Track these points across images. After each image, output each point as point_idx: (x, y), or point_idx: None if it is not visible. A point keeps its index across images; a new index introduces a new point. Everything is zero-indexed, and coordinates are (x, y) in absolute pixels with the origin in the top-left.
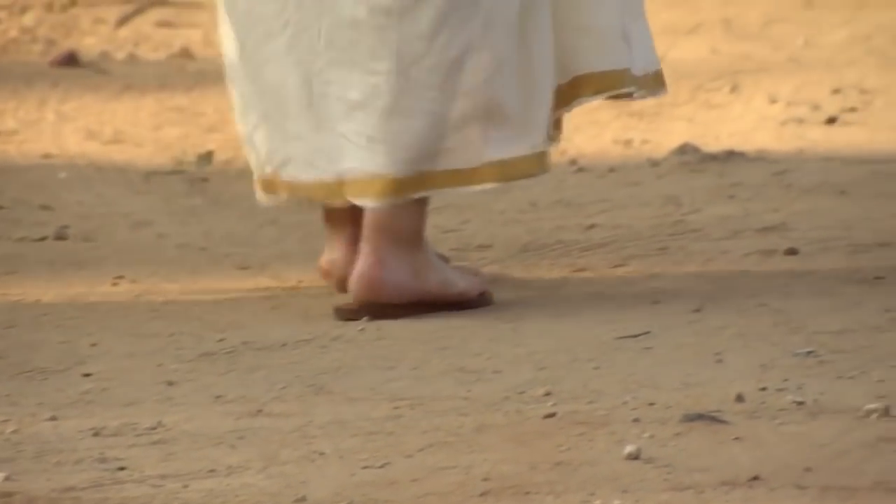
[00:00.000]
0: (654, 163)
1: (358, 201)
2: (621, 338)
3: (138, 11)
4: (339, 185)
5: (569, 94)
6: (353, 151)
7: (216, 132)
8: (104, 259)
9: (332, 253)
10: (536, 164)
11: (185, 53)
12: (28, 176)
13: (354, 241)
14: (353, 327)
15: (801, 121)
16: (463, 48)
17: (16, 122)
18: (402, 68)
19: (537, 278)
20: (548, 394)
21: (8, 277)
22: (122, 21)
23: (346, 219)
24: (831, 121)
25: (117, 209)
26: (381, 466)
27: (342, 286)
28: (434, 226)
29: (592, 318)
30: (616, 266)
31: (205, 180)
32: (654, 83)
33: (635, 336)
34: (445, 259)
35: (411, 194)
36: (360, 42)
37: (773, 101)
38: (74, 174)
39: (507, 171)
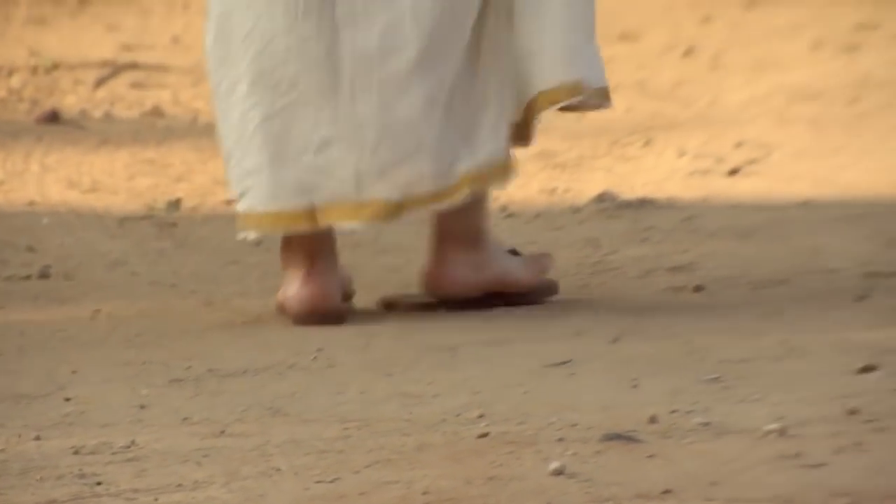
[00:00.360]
0: (576, 209)
1: (344, 225)
2: (548, 365)
3: (113, 74)
4: (312, 212)
5: (532, 109)
6: (335, 182)
7: (183, 181)
8: (83, 295)
9: (287, 289)
10: (501, 173)
11: (156, 112)
12: (14, 221)
13: (307, 278)
14: (307, 356)
15: (706, 172)
16: (438, 87)
17: (3, 172)
18: (383, 106)
19: (473, 311)
20: (481, 416)
21: None
22: (100, 83)
23: (301, 257)
24: (734, 172)
25: (95, 250)
26: (332, 481)
27: (297, 319)
28: (380, 265)
29: (522, 347)
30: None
31: (173, 225)
32: (603, 96)
33: (560, 363)
34: (516, 252)
35: (403, 215)
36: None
37: (681, 154)
38: (56, 220)
39: (479, 182)
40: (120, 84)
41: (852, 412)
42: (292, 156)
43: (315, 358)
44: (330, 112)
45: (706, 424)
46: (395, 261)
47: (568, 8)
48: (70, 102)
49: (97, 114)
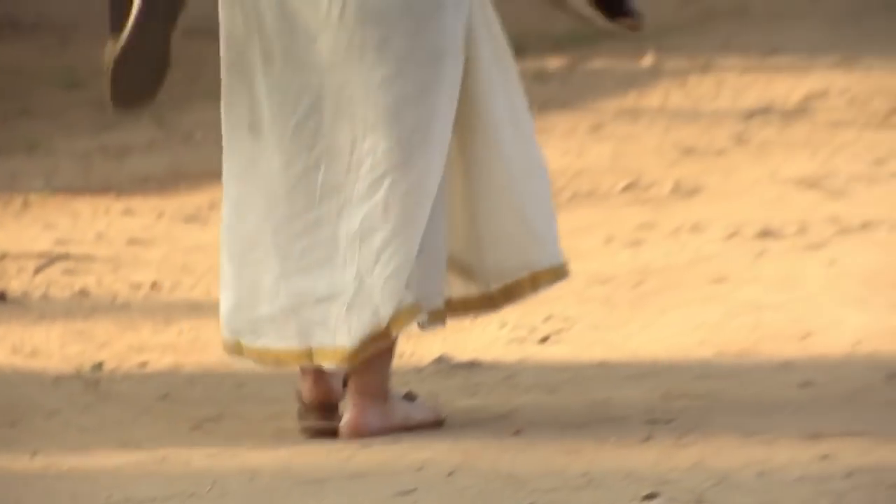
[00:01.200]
0: (419, 370)
1: (325, 365)
2: (396, 494)
3: (49, 263)
4: (309, 353)
5: (520, 287)
6: (321, 331)
7: (106, 348)
8: (24, 440)
9: (303, 384)
10: (440, 317)
11: (83, 292)
12: None
13: (316, 377)
14: (204, 487)
15: (522, 340)
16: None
17: None
18: (360, 274)
19: (337, 447)
20: None
21: None
22: (38, 270)
23: (309, 369)
24: (544, 340)
25: (34, 403)
26: None
27: (307, 407)
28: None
29: (377, 479)
30: (389, 443)
31: (97, 383)
32: (562, 273)
33: (406, 493)
34: (412, 397)
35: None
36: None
37: (502, 325)
38: (3, 378)
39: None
40: (55, 271)
41: None
42: (297, 309)
43: (210, 489)
44: (328, 278)
45: None
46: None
47: (530, 190)
48: (15, 285)
49: (37, 294)
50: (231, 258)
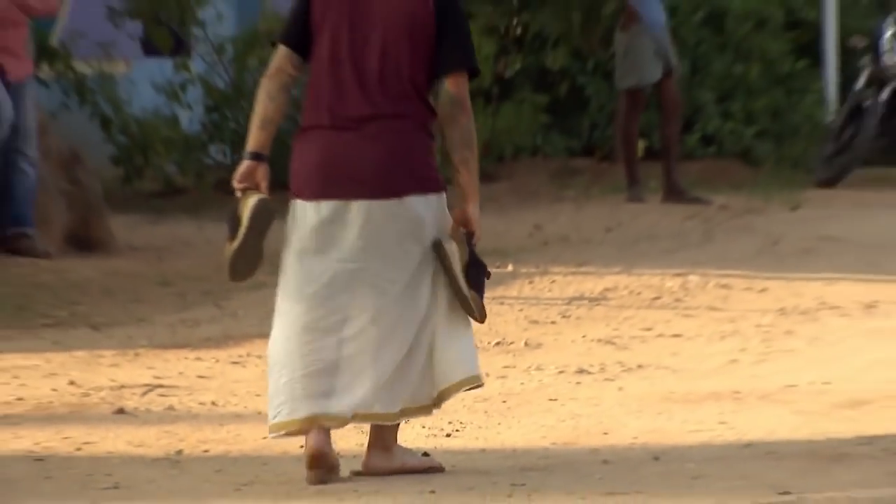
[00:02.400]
0: None
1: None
2: None
3: (150, 390)
4: (317, 419)
5: (442, 396)
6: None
7: (183, 442)
8: (128, 497)
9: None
10: (424, 411)
11: (170, 408)
12: None
13: (316, 433)
14: None
15: (435, 435)
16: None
17: None
18: (356, 374)
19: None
20: None
21: None
22: (144, 394)
23: (313, 430)
24: (448, 435)
25: (139, 474)
26: None
27: (311, 459)
28: None
29: None
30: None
31: (179, 462)
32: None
33: None
34: (426, 454)
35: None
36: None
37: (423, 426)
38: (120, 460)
39: (408, 414)
40: (153, 395)
41: None
42: (308, 393)
43: None
44: (330, 375)
45: None
46: None
47: (457, 323)
48: (129, 403)
49: (142, 408)
50: (282, 351)
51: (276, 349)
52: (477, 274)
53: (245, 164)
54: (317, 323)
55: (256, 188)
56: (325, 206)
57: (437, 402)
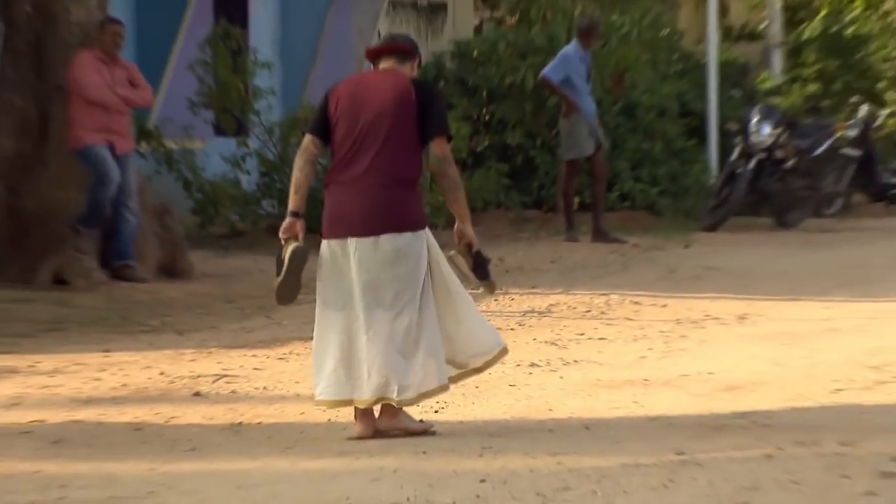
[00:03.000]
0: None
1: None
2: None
3: (219, 378)
4: (350, 400)
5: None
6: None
7: (243, 416)
8: (203, 457)
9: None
10: (436, 392)
11: (234, 391)
12: None
13: (360, 414)
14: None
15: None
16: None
17: None
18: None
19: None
20: None
21: None
22: (213, 381)
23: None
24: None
25: (211, 440)
26: None
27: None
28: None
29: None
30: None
31: (239, 431)
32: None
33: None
34: (412, 418)
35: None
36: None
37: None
38: (189, 428)
39: (424, 396)
40: (221, 382)
41: None
42: (345, 377)
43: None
44: (357, 367)
45: None
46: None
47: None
48: (203, 389)
49: (213, 392)
50: (320, 354)
51: (316, 346)
52: (483, 267)
53: (287, 221)
54: (342, 328)
55: (295, 238)
56: (334, 243)
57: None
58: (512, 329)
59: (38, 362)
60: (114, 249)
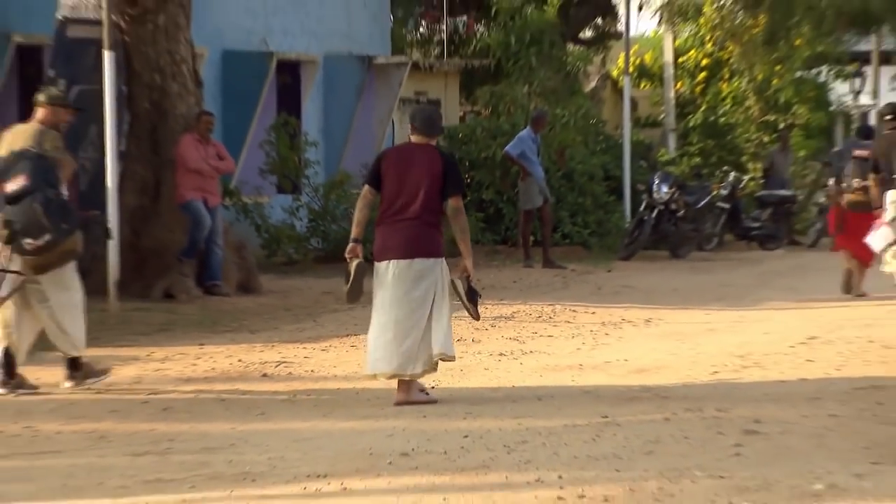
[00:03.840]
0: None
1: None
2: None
3: (280, 364)
4: (394, 374)
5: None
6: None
7: (297, 389)
8: (268, 417)
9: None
10: (434, 367)
11: (291, 373)
12: None
13: (400, 384)
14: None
15: None
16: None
17: None
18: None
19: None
20: None
21: None
22: (276, 365)
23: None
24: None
25: (274, 406)
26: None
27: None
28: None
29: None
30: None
31: (294, 400)
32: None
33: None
34: (419, 392)
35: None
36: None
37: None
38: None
39: (431, 370)
40: (281, 367)
41: None
42: (390, 354)
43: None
44: (396, 350)
45: None
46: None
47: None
48: (269, 372)
49: (283, 374)
50: (373, 339)
51: (371, 334)
52: (473, 295)
53: (350, 245)
54: (386, 322)
55: (357, 257)
56: (384, 264)
57: (435, 366)
58: (486, 329)
59: (153, 353)
60: (206, 273)
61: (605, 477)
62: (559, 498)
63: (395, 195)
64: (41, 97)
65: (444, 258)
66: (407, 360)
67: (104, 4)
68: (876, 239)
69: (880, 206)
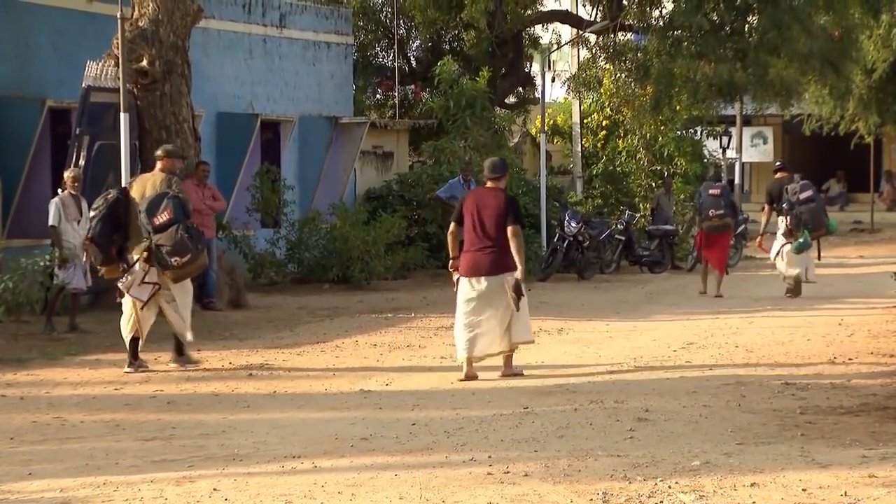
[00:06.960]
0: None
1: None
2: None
3: (260, 368)
4: (471, 358)
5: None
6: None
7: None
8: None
9: (468, 368)
10: (513, 349)
11: (293, 369)
12: None
13: (468, 367)
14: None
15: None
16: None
17: None
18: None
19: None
20: None
21: None
22: (261, 367)
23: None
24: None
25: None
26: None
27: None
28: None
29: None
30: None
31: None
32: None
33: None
34: (511, 368)
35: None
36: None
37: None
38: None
39: (510, 350)
40: (262, 373)
41: None
42: (469, 341)
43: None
44: (475, 339)
45: None
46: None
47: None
48: (262, 362)
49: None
50: (458, 330)
51: (456, 327)
52: (518, 291)
53: (451, 262)
54: (468, 318)
55: (456, 271)
56: (473, 280)
57: (515, 347)
58: (430, 337)
59: (160, 357)
60: (204, 292)
61: (526, 456)
62: (489, 473)
63: (474, 230)
64: (160, 152)
65: (514, 272)
66: (489, 344)
67: (121, 75)
68: (772, 248)
69: (766, 230)
